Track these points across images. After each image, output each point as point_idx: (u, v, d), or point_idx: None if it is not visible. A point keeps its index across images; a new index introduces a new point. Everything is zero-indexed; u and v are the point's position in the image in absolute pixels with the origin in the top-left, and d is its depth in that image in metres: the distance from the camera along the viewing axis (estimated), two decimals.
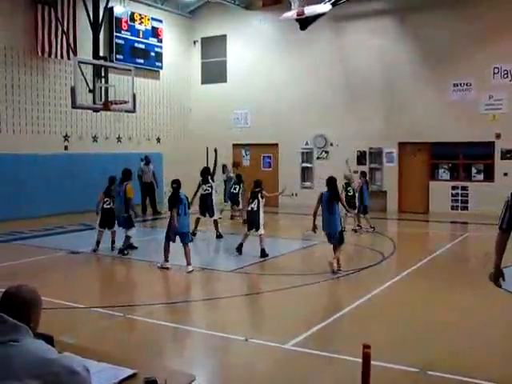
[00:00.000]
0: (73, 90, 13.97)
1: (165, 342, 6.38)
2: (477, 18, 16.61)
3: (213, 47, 21.60)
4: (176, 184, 9.57)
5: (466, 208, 17.14)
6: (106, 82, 15.24)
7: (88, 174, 17.10)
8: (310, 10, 15.51)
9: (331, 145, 19.32)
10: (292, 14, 15.84)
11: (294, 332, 6.13)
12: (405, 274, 9.23)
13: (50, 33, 16.28)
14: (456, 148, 17.37)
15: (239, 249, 10.71)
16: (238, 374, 5.26)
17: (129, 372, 2.87)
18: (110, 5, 16.12)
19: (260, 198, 10.60)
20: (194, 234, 12.25)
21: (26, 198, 15.67)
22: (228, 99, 20.94)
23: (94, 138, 18.28)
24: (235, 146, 21.09)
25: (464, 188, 17.21)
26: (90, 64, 15.15)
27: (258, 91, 20.28)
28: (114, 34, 18.44)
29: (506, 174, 16.42)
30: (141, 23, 19.44)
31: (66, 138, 17.34)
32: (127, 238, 10.86)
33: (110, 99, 15.09)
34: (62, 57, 16.71)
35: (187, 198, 9.81)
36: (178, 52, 21.49)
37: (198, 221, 12.69)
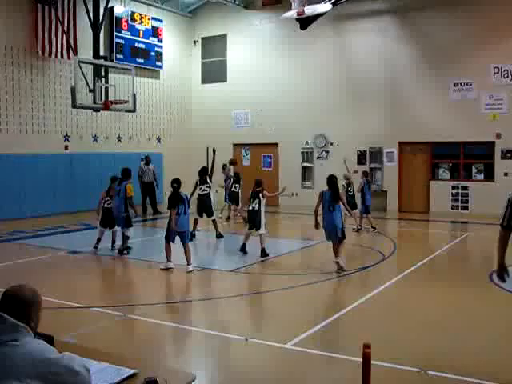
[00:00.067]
0: (73, 90, 13.99)
1: (165, 342, 6.38)
2: (477, 17, 16.63)
3: (213, 47, 21.61)
4: (176, 183, 9.56)
5: (466, 208, 17.14)
6: (106, 81, 15.26)
7: (88, 174, 17.13)
8: (310, 10, 15.48)
9: (331, 144, 19.33)
10: (292, 13, 15.81)
11: (293, 332, 6.13)
12: (405, 273, 9.23)
13: (50, 32, 16.29)
14: (456, 148, 17.37)
15: (243, 249, 10.74)
16: (238, 374, 5.26)
17: (129, 372, 2.87)
18: (110, 4, 16.13)
19: (261, 198, 10.61)
20: (193, 234, 12.24)
21: (26, 198, 15.69)
22: (228, 99, 20.96)
23: (94, 138, 18.28)
24: (235, 145, 21.10)
25: (464, 188, 17.21)
26: (91, 64, 15.15)
27: (258, 91, 20.28)
28: (115, 33, 18.45)
29: (506, 174, 16.43)
30: (141, 23, 19.44)
31: (66, 137, 17.35)
32: (126, 238, 10.85)
33: (110, 99, 15.11)
34: (62, 56, 16.71)
35: (187, 197, 9.81)
36: (178, 52, 21.50)
37: (196, 221, 12.66)
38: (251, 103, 20.54)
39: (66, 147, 17.36)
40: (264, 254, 10.45)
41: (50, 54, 16.41)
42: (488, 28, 16.42)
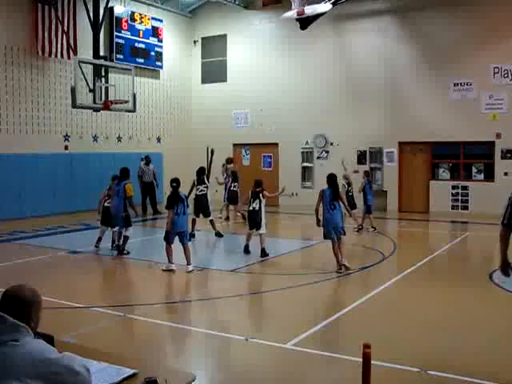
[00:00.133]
0: (73, 90, 14.00)
1: (165, 342, 6.38)
2: (477, 17, 16.63)
3: (213, 47, 21.61)
4: (176, 183, 9.55)
5: (466, 208, 17.14)
6: (107, 81, 15.26)
7: (88, 174, 17.13)
8: (310, 10, 15.49)
9: (331, 144, 19.33)
10: (292, 13, 15.82)
11: (293, 332, 6.13)
12: (405, 273, 9.23)
13: (50, 32, 16.28)
14: (456, 148, 17.37)
15: (246, 250, 10.76)
16: (238, 374, 5.26)
17: (129, 372, 2.87)
18: (110, 4, 16.14)
19: (262, 198, 10.62)
20: (192, 234, 12.24)
21: (26, 198, 15.69)
22: (228, 99, 20.96)
23: (95, 138, 18.28)
24: (235, 145, 21.10)
25: (464, 188, 17.21)
26: (91, 64, 15.16)
27: (258, 91, 20.28)
28: (115, 33, 18.44)
29: (506, 174, 16.44)
30: (141, 23, 19.44)
31: (66, 137, 17.35)
32: (126, 238, 10.85)
33: (110, 99, 15.11)
34: (62, 56, 16.71)
35: (186, 197, 9.81)
36: (178, 52, 21.50)
37: (194, 222, 12.65)
38: (251, 103, 20.54)
39: (66, 147, 17.36)
40: (264, 253, 10.46)
41: (50, 54, 16.41)
42: (488, 28, 16.42)
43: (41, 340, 2.53)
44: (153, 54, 19.98)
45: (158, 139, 20.77)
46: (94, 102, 14.84)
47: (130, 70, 15.81)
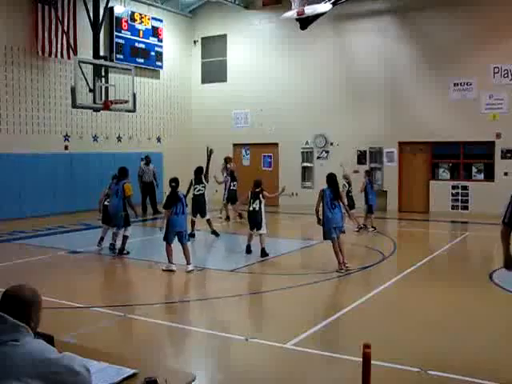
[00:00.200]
0: (73, 90, 13.99)
1: (165, 342, 6.38)
2: (477, 17, 16.63)
3: (213, 47, 21.61)
4: (175, 183, 9.55)
5: (466, 207, 17.14)
6: (107, 81, 15.25)
7: (88, 174, 17.13)
8: (310, 10, 15.49)
9: (331, 144, 19.32)
10: (292, 13, 15.82)
11: (293, 332, 6.13)
12: (405, 273, 9.23)
13: (50, 32, 16.28)
14: (456, 148, 17.37)
15: (248, 250, 10.77)
16: (238, 374, 5.26)
17: (129, 372, 2.87)
18: (110, 4, 16.13)
19: (261, 198, 10.62)
20: (192, 234, 12.24)
21: (27, 198, 15.69)
22: (228, 99, 20.96)
23: (95, 138, 18.28)
24: (235, 145, 21.10)
25: (464, 187, 17.21)
26: (91, 64, 15.15)
27: (258, 91, 20.28)
28: (115, 33, 18.44)
29: (506, 174, 16.44)
30: (141, 23, 19.44)
31: (66, 137, 17.34)
32: (125, 237, 10.85)
33: (110, 99, 15.11)
34: (62, 56, 16.71)
35: (185, 196, 9.81)
36: (178, 51, 21.50)
37: (193, 222, 12.66)
38: (251, 103, 20.54)
39: (66, 147, 17.36)
40: (264, 253, 10.46)
41: (50, 54, 16.40)
42: (488, 28, 16.42)
43: (41, 340, 2.53)
44: (153, 53, 19.97)
45: (158, 139, 20.78)
46: (94, 101, 14.83)
47: (130, 69, 15.81)
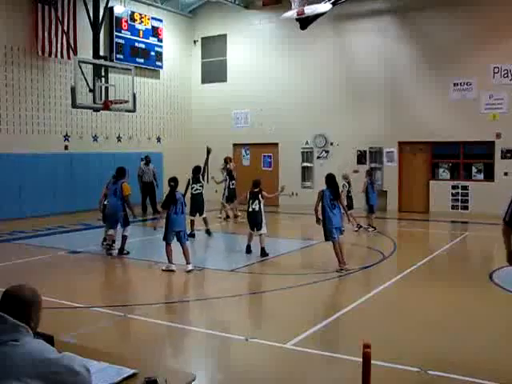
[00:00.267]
0: (73, 90, 14.00)
1: (165, 342, 6.38)
2: (477, 17, 16.63)
3: (213, 47, 21.61)
4: (174, 182, 9.55)
5: (466, 207, 17.14)
6: (106, 81, 15.26)
7: (88, 174, 17.13)
8: (310, 10, 15.50)
9: (331, 144, 19.33)
10: (292, 13, 15.83)
11: (293, 332, 6.13)
12: (405, 273, 9.23)
13: (50, 32, 16.28)
14: (456, 148, 17.37)
15: (248, 250, 10.77)
16: (238, 373, 5.26)
17: (129, 372, 2.87)
18: (110, 4, 16.15)
19: (261, 199, 10.62)
20: (192, 234, 12.25)
21: (27, 198, 15.69)
22: (228, 99, 20.96)
23: (94, 138, 18.28)
24: (235, 145, 21.10)
25: (464, 187, 17.21)
26: (90, 63, 15.16)
27: (258, 91, 20.28)
28: (114, 33, 18.44)
29: (506, 174, 16.44)
30: (141, 23, 19.44)
31: (66, 137, 17.34)
32: (124, 237, 10.84)
33: (110, 99, 15.11)
34: (62, 56, 16.71)
35: (183, 196, 9.80)
36: (178, 51, 21.50)
37: (192, 222, 12.67)
38: (251, 103, 20.54)
39: (66, 147, 17.36)
40: (264, 253, 10.46)
41: (49, 54, 16.40)
42: (488, 28, 16.42)
43: (41, 340, 2.53)
44: (153, 53, 19.98)
45: (158, 139, 20.77)
46: (94, 101, 14.84)
47: (129, 69, 15.81)
